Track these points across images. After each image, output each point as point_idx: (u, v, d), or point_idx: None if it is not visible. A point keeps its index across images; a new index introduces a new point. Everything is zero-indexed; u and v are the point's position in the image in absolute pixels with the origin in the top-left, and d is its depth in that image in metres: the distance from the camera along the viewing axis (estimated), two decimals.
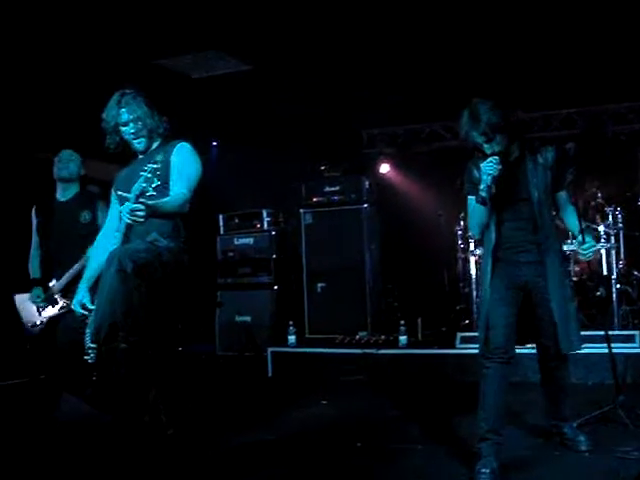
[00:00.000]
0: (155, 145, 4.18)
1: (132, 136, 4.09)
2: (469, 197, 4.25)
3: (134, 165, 4.15)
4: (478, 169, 4.09)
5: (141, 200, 3.51)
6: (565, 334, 4.10)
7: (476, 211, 4.15)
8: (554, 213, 4.36)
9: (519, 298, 4.17)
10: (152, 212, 3.56)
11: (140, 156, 4.18)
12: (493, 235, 4.19)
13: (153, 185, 3.56)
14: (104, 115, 4.10)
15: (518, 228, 4.16)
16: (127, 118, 4.06)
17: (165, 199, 3.78)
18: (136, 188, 3.57)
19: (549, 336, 4.13)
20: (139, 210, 3.45)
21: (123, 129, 4.08)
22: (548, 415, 4.60)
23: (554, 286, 4.11)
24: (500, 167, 3.96)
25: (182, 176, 3.94)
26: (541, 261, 4.13)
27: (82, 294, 4.04)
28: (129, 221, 3.51)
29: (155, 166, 3.61)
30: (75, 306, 4.04)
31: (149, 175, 3.57)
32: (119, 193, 3.99)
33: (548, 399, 4.56)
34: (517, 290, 4.16)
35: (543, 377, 4.53)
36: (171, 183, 3.92)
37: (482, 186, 3.98)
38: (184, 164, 4.01)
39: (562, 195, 4.28)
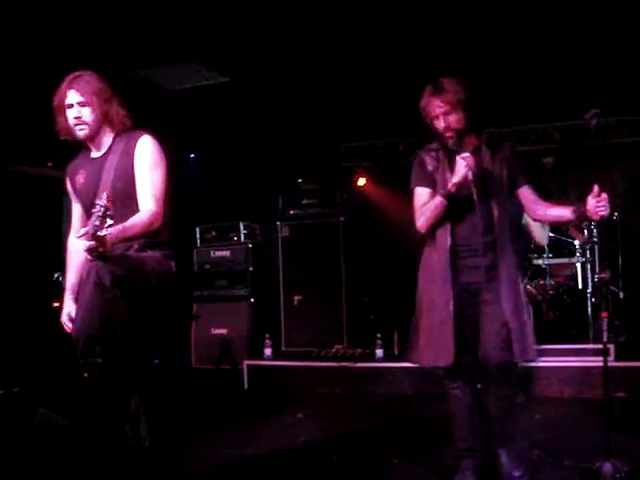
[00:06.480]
0: (107, 139, 3.87)
1: (74, 121, 3.75)
2: (418, 189, 4.03)
3: (93, 166, 3.86)
4: (432, 160, 3.93)
5: (100, 236, 3.22)
6: (520, 341, 3.75)
7: (438, 206, 3.87)
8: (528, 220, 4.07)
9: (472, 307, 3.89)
10: (118, 241, 3.43)
11: (96, 152, 3.89)
12: (448, 236, 3.92)
13: (106, 225, 3.24)
14: (55, 94, 3.81)
15: (470, 227, 3.86)
16: (72, 100, 3.75)
17: (129, 223, 3.55)
18: (90, 228, 3.24)
19: (495, 344, 3.76)
20: (96, 248, 3.25)
21: (67, 111, 3.76)
22: (485, 436, 4.06)
23: (508, 290, 3.82)
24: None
25: (147, 186, 3.72)
26: (493, 265, 3.85)
27: (70, 306, 3.89)
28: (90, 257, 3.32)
29: (106, 204, 3.24)
30: (65, 321, 3.89)
31: (100, 214, 3.24)
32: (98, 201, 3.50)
33: (488, 418, 4.01)
34: (469, 297, 3.90)
35: (485, 393, 4.03)
36: (138, 192, 3.72)
37: (455, 179, 3.78)
38: (148, 169, 3.75)
39: (525, 190, 3.95)
